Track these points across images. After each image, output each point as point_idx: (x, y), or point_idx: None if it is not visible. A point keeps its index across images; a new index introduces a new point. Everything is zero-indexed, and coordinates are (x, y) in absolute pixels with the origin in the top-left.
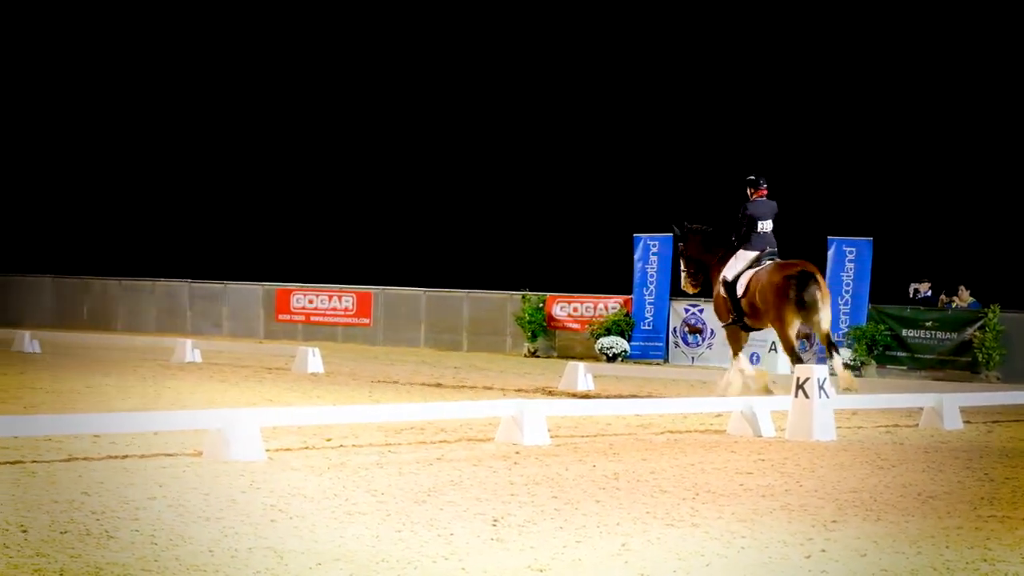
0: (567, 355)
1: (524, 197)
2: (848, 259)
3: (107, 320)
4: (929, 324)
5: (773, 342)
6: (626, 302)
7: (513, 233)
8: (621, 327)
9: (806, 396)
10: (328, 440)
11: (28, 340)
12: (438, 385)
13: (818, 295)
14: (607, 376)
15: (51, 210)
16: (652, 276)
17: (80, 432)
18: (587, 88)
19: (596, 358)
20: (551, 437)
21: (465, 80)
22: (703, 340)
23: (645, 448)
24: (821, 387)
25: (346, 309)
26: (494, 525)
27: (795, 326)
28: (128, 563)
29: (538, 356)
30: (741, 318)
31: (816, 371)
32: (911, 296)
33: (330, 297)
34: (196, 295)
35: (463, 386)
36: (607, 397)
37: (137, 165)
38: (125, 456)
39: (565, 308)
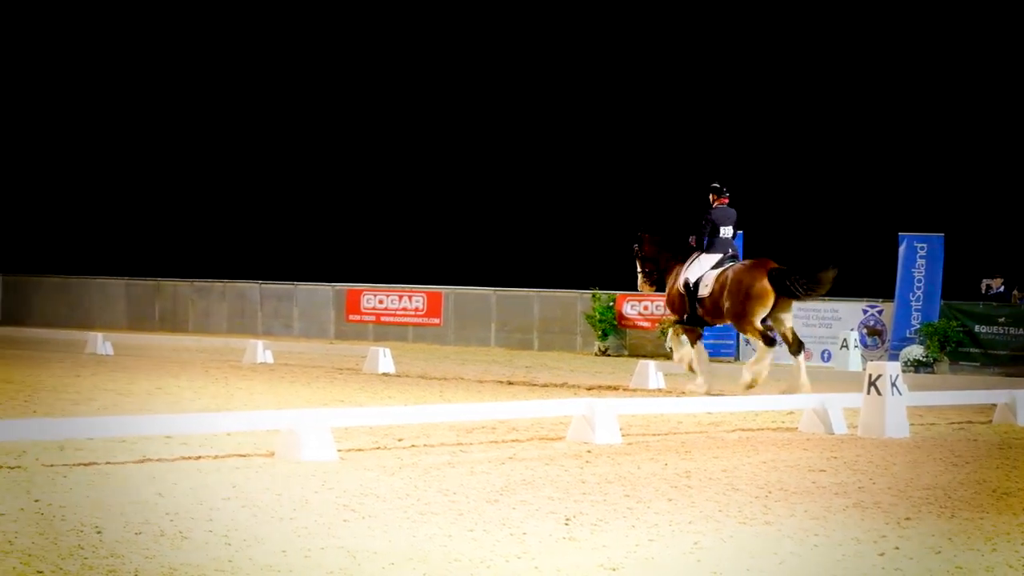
0: (637, 353)
1: (596, 196)
2: (919, 255)
3: (179, 322)
4: (1002, 320)
5: (845, 340)
6: None
7: (584, 232)
8: None
9: (878, 393)
10: (400, 440)
11: (101, 342)
12: (509, 384)
13: (794, 294)
14: (678, 375)
15: (124, 214)
16: None
17: (153, 433)
18: (649, 89)
19: (667, 356)
20: (622, 436)
21: (541, 81)
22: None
23: (717, 446)
24: (894, 384)
25: (416, 309)
26: (566, 524)
27: (759, 316)
28: (202, 564)
29: (608, 355)
30: (694, 315)
31: (888, 368)
32: (983, 292)
33: (400, 297)
34: (267, 296)
35: (534, 385)
36: (678, 395)
37: (210, 168)
38: (198, 457)
39: (635, 306)
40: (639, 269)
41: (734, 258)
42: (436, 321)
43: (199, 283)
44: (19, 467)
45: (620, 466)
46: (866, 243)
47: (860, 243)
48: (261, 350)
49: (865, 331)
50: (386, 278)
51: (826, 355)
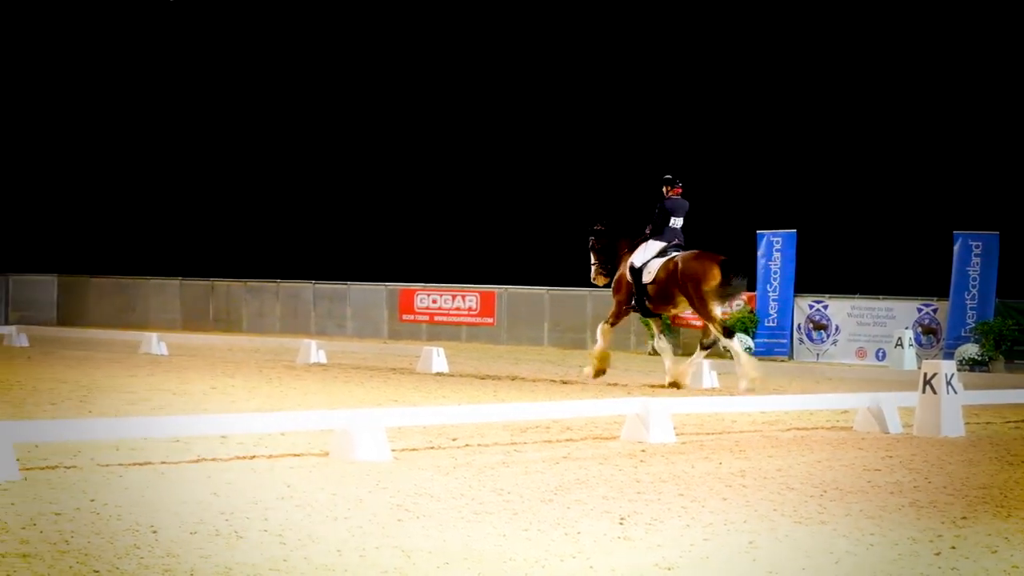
0: (691, 353)
1: (648, 195)
2: (974, 253)
3: (232, 322)
4: None
5: (899, 338)
6: (750, 299)
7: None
8: (745, 324)
9: (933, 392)
10: (454, 440)
11: (156, 342)
12: (562, 383)
13: (737, 287)
14: (731, 374)
15: (179, 214)
16: (775, 273)
17: (208, 433)
18: (726, 87)
19: (720, 356)
20: (676, 435)
21: (595, 82)
22: (828, 336)
23: (771, 445)
24: (949, 383)
25: (470, 309)
26: (621, 523)
27: (715, 303)
28: (257, 563)
29: None
30: (641, 301)
31: (944, 366)
32: None
33: (454, 297)
34: (320, 296)
35: (587, 384)
36: (732, 394)
37: (265, 168)
38: (253, 456)
39: None
40: (593, 261)
41: (679, 247)
42: (489, 320)
43: (253, 283)
44: (74, 467)
45: (674, 465)
46: (921, 242)
47: (915, 242)
48: (315, 350)
49: (920, 330)
50: (439, 278)
51: (880, 354)
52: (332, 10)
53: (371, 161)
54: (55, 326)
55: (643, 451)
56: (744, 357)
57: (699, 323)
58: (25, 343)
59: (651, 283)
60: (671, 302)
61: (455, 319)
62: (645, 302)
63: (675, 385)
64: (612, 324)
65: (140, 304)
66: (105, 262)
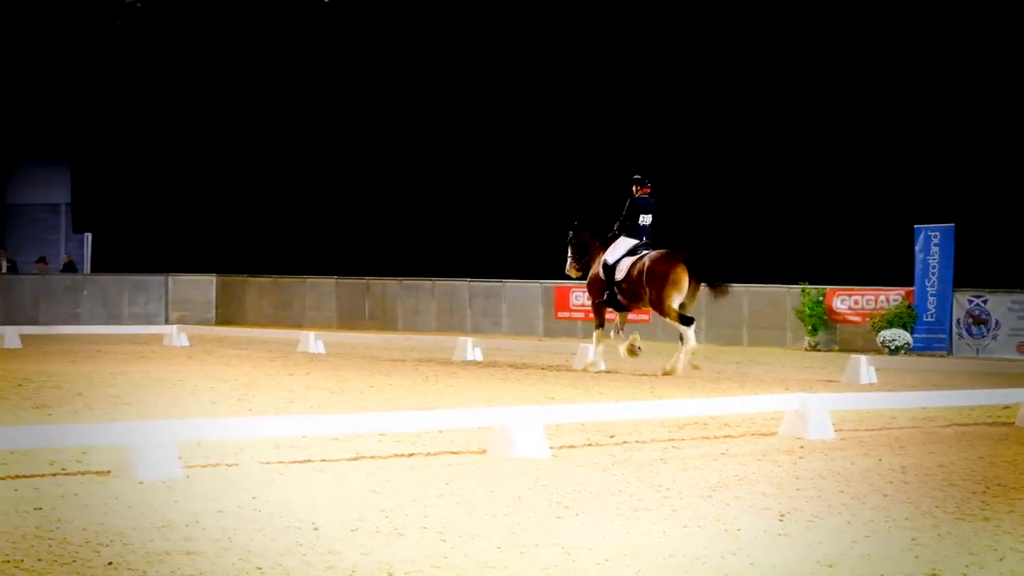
0: (848, 348)
1: (800, 190)
2: None
3: (388, 320)
4: None
5: None
6: (908, 294)
7: (792, 226)
8: (903, 319)
9: None
10: (611, 436)
11: (313, 341)
12: (719, 380)
13: (713, 277)
14: (890, 369)
15: (336, 214)
16: (934, 267)
17: (366, 431)
18: (854, 83)
19: (878, 351)
20: (835, 431)
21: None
22: (988, 331)
23: (931, 441)
24: None
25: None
26: (781, 520)
27: (675, 300)
28: (418, 560)
29: (819, 350)
30: (613, 297)
31: None
32: None
33: None
34: (475, 293)
35: (744, 381)
36: (891, 390)
37: (419, 166)
38: (411, 454)
39: (845, 301)
40: (569, 255)
41: (648, 245)
42: (645, 317)
43: (408, 281)
44: (236, 465)
45: (834, 462)
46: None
47: (1008, 239)
48: (470, 347)
49: None
50: None
51: None
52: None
53: (523, 161)
54: (213, 325)
55: (802, 447)
56: (689, 347)
57: (856, 319)
58: (185, 343)
59: (623, 280)
60: (640, 298)
61: (610, 316)
62: (617, 297)
63: (669, 374)
64: (600, 327)
65: (296, 303)
66: (262, 262)
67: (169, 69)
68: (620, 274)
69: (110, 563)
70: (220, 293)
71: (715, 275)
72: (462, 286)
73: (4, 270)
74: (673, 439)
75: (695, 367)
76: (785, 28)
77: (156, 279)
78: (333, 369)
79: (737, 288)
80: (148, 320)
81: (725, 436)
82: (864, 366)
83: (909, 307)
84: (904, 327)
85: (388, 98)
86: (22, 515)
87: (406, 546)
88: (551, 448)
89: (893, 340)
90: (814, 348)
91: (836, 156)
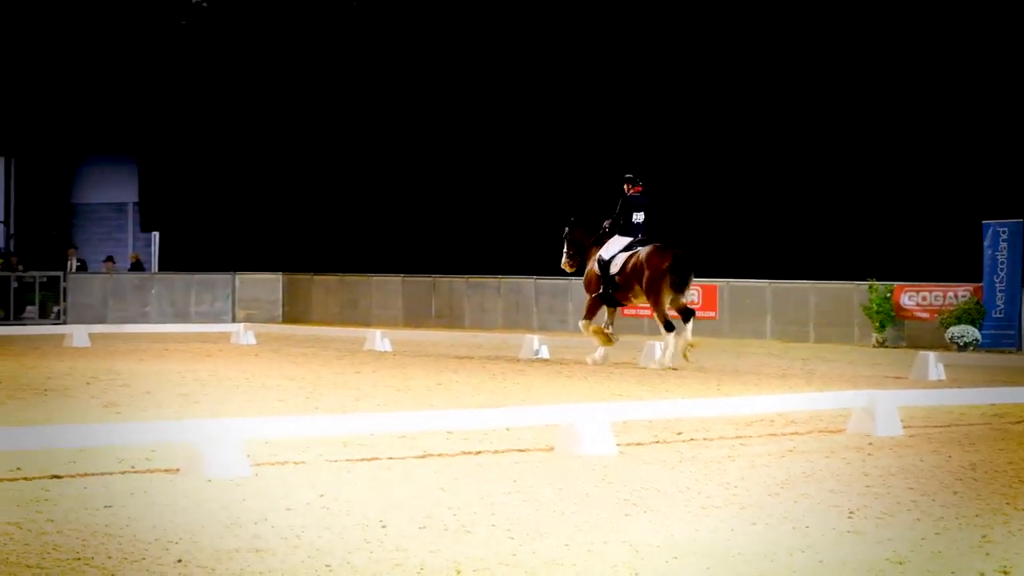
0: (916, 345)
1: (865, 186)
2: None
3: (455, 317)
4: None
5: None
6: (976, 290)
7: (859, 222)
8: (971, 315)
9: None
10: (679, 434)
11: (380, 339)
12: (786, 377)
13: (690, 277)
14: (958, 366)
15: (402, 212)
16: (1002, 263)
17: (434, 428)
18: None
19: (946, 347)
20: (904, 428)
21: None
22: None
23: (1001, 438)
24: None
25: (692, 302)
26: (850, 517)
27: (668, 299)
28: (486, 558)
29: (886, 346)
30: (608, 292)
31: None
32: None
33: None
34: (542, 291)
35: (811, 378)
36: (959, 387)
37: (486, 166)
38: (478, 452)
39: (913, 297)
40: (565, 250)
41: (643, 242)
42: (711, 314)
43: (474, 279)
44: (303, 462)
45: (902, 458)
46: None
47: None
48: (537, 345)
49: None
50: None
51: None
52: None
53: (589, 159)
54: (280, 324)
55: (870, 444)
56: (671, 348)
57: (924, 315)
58: (252, 341)
59: (617, 275)
60: (634, 292)
61: (677, 313)
62: (612, 292)
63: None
64: (588, 319)
65: (363, 301)
66: (328, 260)
67: (235, 68)
68: (615, 269)
69: (179, 560)
70: (287, 291)
71: (687, 278)
72: (528, 283)
73: (74, 269)
74: (740, 436)
75: (687, 355)
76: (852, 18)
77: (223, 278)
78: (400, 367)
79: (804, 284)
80: (215, 319)
81: (792, 433)
82: (932, 363)
83: (977, 303)
84: (972, 323)
85: (457, 96)
86: (92, 513)
87: (474, 544)
88: (618, 445)
89: (961, 336)
90: (881, 345)
91: (905, 152)
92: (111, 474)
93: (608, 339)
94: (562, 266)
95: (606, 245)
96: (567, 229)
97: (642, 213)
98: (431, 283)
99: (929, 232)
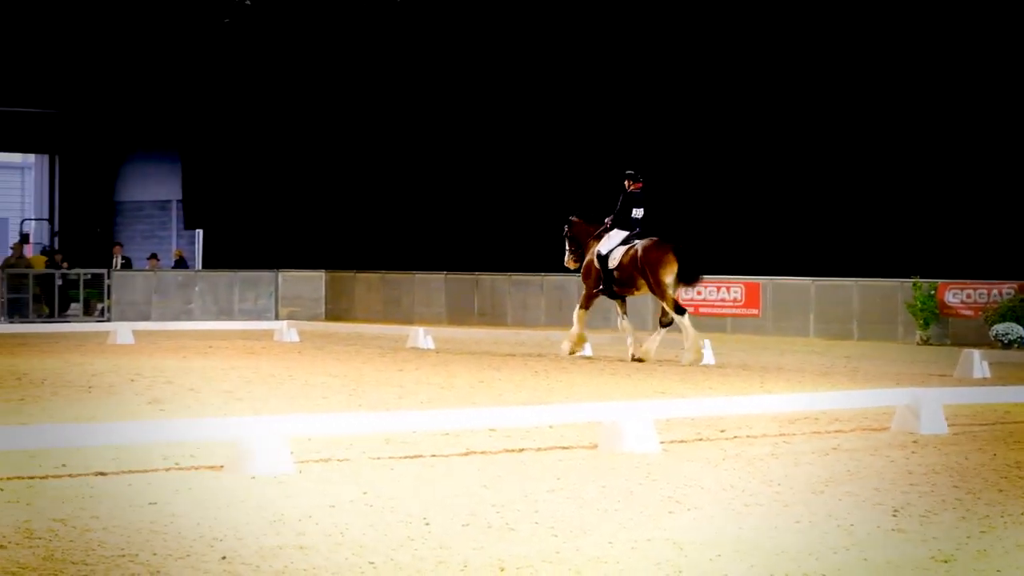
0: (960, 343)
1: (910, 183)
2: None
3: (497, 315)
4: None
5: None
6: (1021, 287)
7: (903, 219)
8: (1017, 313)
9: None
10: (722, 431)
11: (423, 336)
12: (829, 374)
13: (696, 267)
14: (1003, 363)
15: (445, 209)
16: None
17: (476, 426)
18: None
19: (991, 345)
20: (948, 426)
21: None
22: None
23: None
24: None
25: (735, 300)
26: (894, 515)
27: (671, 287)
28: (529, 555)
29: (930, 344)
30: (608, 285)
31: None
32: None
33: (719, 288)
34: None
35: (855, 375)
36: (1004, 384)
37: (526, 163)
38: (521, 450)
39: (958, 295)
40: (567, 248)
41: (639, 236)
42: (754, 311)
43: (517, 276)
44: (347, 460)
45: (947, 456)
46: None
47: None
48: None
49: None
50: (703, 269)
51: None
52: None
53: (637, 159)
54: (323, 321)
55: (914, 442)
56: (692, 333)
57: (968, 312)
58: (295, 338)
59: (616, 268)
60: (634, 285)
61: (720, 310)
62: (612, 286)
63: (639, 360)
64: (585, 308)
65: (405, 299)
66: (371, 258)
67: (278, 65)
68: (614, 262)
69: (224, 557)
70: (329, 289)
71: (695, 268)
72: (571, 281)
73: (119, 267)
74: (784, 434)
75: (693, 362)
76: (897, 10)
77: (266, 275)
78: (443, 364)
79: (847, 282)
80: (258, 316)
81: (836, 431)
82: (977, 360)
83: (1022, 300)
84: (1017, 320)
85: (504, 95)
86: (137, 509)
87: (517, 541)
88: (662, 443)
89: (1006, 334)
90: (926, 342)
91: (950, 148)
92: (155, 471)
93: (580, 344)
94: (565, 264)
95: (604, 239)
96: (566, 228)
97: (641, 209)
98: (474, 280)
99: (974, 229)
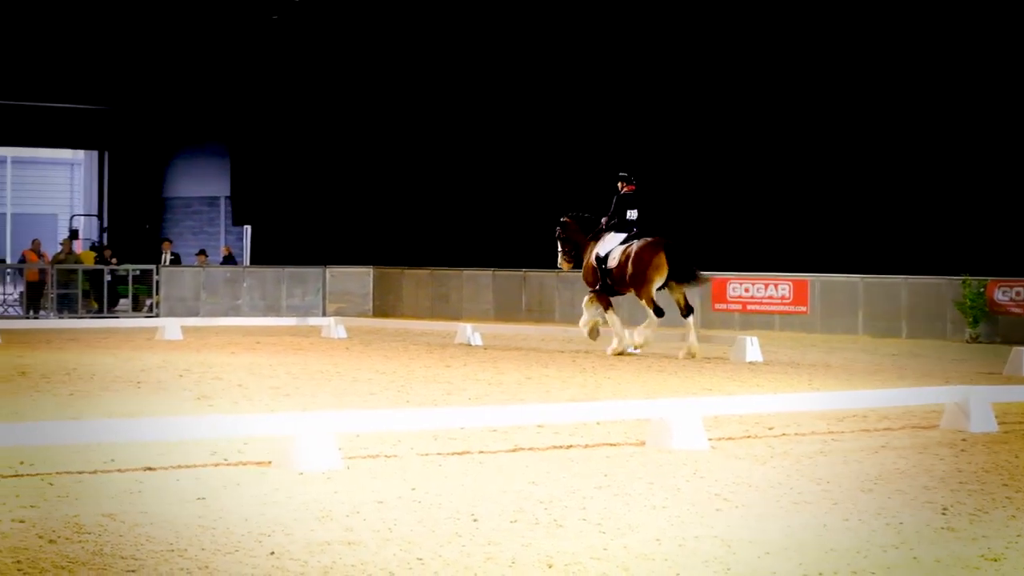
0: (1010, 341)
1: (960, 180)
2: None
3: (545, 312)
4: None
5: None
6: None
7: (952, 217)
8: None
9: None
10: (770, 429)
11: (470, 332)
12: (878, 372)
13: (690, 265)
14: None
15: (493, 206)
16: None
17: (524, 422)
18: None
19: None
20: (998, 424)
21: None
22: None
23: None
24: None
25: (783, 297)
26: (944, 514)
27: (656, 284)
28: (577, 551)
29: (980, 342)
30: (606, 285)
31: None
32: None
33: (766, 286)
34: None
35: (903, 373)
36: None
37: (574, 161)
38: (569, 446)
39: (1007, 292)
40: (559, 249)
41: (636, 236)
42: (802, 309)
43: (564, 273)
44: (395, 456)
45: (997, 455)
46: None
47: None
48: (628, 338)
49: None
50: (752, 266)
51: None
52: None
53: (677, 159)
54: (371, 317)
55: (964, 441)
56: (649, 330)
57: (1018, 310)
58: (343, 335)
59: (614, 269)
60: (627, 283)
61: (768, 308)
62: (611, 285)
63: (621, 353)
64: (609, 307)
65: (453, 295)
66: (419, 254)
67: (326, 62)
68: (612, 262)
69: (272, 552)
70: (377, 285)
71: (688, 267)
72: None
73: (167, 263)
74: (832, 432)
75: (690, 355)
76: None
77: (314, 271)
78: (491, 361)
79: (896, 280)
80: (306, 312)
81: (885, 429)
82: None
83: None
84: None
85: (548, 92)
86: (184, 505)
87: (565, 538)
88: (709, 440)
89: None
90: (975, 340)
91: (999, 146)
92: (204, 466)
93: (594, 334)
94: (559, 264)
95: (602, 241)
96: (559, 229)
97: (636, 210)
98: (522, 277)
99: (1022, 226)
